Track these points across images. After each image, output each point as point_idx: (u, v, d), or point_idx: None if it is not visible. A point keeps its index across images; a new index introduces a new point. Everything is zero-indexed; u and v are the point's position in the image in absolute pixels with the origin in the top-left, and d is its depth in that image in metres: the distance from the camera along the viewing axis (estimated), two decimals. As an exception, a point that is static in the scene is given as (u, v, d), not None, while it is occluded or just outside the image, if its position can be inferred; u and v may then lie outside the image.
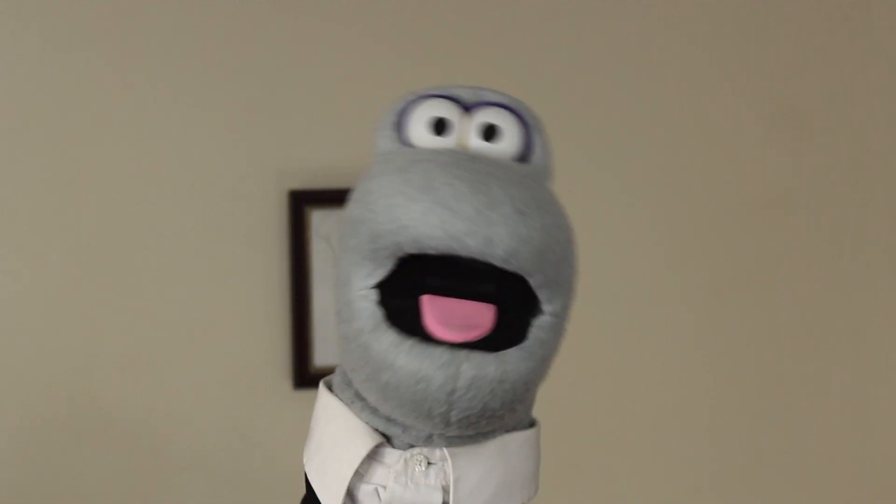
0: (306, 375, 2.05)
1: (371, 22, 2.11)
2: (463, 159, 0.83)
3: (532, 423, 0.92)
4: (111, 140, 2.04)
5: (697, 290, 2.21)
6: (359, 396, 0.89)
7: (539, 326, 0.84)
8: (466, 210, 0.80)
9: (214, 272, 2.07)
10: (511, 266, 0.81)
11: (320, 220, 2.06)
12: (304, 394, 2.03)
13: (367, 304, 0.84)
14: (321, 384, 0.93)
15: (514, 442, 0.90)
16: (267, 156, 2.08)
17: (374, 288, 0.84)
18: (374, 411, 0.88)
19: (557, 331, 0.85)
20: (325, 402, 0.91)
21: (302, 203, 2.06)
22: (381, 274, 0.83)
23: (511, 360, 0.82)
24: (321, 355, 2.04)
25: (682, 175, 2.20)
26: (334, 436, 0.90)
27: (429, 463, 0.88)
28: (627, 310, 2.19)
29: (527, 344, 0.83)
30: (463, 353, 0.81)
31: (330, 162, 2.07)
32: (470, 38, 2.14)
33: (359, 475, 0.88)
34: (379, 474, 0.88)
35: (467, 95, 0.91)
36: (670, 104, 2.19)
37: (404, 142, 0.90)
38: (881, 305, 2.27)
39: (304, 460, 0.92)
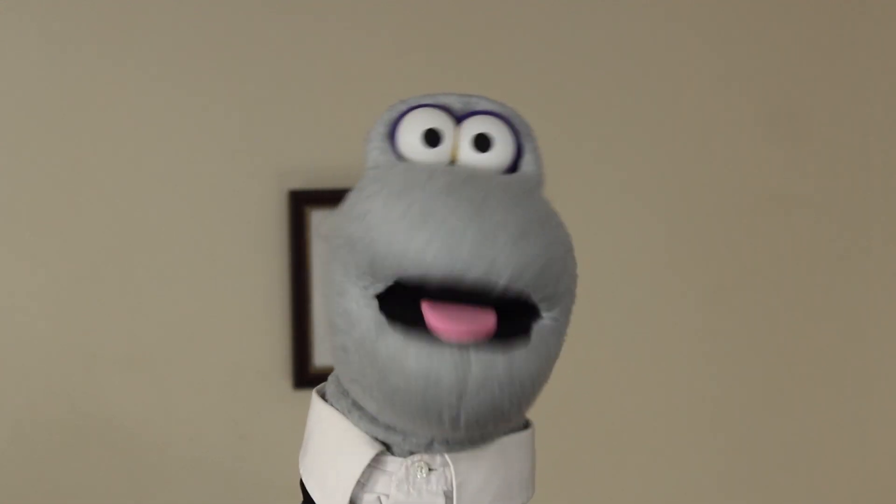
0: (306, 375, 2.05)
1: (371, 22, 2.11)
2: (458, 183, 0.83)
3: (526, 425, 0.92)
4: (111, 140, 2.04)
5: (697, 289, 2.21)
6: (356, 406, 0.88)
7: (541, 329, 0.84)
8: (466, 241, 0.80)
9: (214, 272, 2.07)
10: (513, 292, 0.81)
11: (320, 220, 2.06)
12: (304, 394, 2.02)
13: (368, 311, 0.83)
14: (314, 393, 0.92)
15: (512, 444, 0.90)
16: (267, 156, 2.08)
17: (373, 297, 0.83)
18: (374, 420, 0.87)
19: (559, 333, 0.86)
20: (321, 411, 0.91)
21: (302, 203, 2.06)
22: (379, 287, 0.83)
23: (519, 360, 0.82)
24: (321, 355, 2.04)
25: (681, 174, 2.20)
26: (333, 445, 0.89)
27: (430, 469, 0.87)
28: (627, 309, 2.19)
29: (532, 344, 0.83)
30: (472, 354, 0.80)
31: (330, 162, 2.07)
32: (471, 37, 2.14)
33: (360, 484, 0.88)
34: (381, 483, 0.88)
35: (457, 104, 0.91)
36: (670, 104, 2.19)
37: (397, 153, 0.89)
38: (881, 305, 2.26)
39: (301, 470, 0.92)
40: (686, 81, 2.20)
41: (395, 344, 0.81)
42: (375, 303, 0.83)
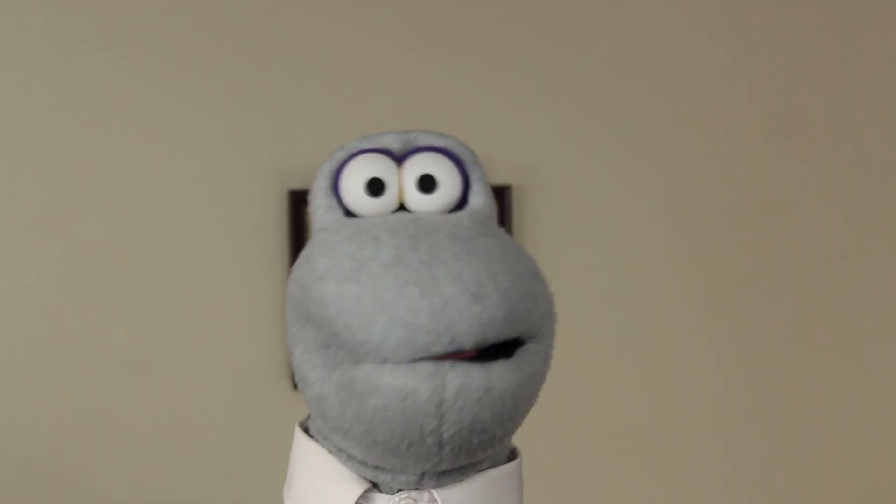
0: (306, 375, 2.05)
1: (371, 22, 2.11)
2: (405, 249, 0.81)
3: (513, 456, 0.91)
4: (111, 140, 2.04)
5: (698, 289, 2.21)
6: (340, 448, 0.88)
7: (524, 350, 0.84)
8: (423, 320, 0.79)
9: (215, 272, 2.07)
10: (483, 347, 0.81)
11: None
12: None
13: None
14: (297, 428, 0.92)
15: (501, 476, 0.89)
16: (267, 156, 2.08)
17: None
18: (362, 462, 0.87)
19: (543, 356, 0.85)
20: (306, 447, 0.90)
21: (302, 203, 2.06)
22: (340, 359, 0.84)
23: (496, 371, 0.81)
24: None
25: (683, 175, 2.20)
26: (320, 482, 0.89)
27: None
28: (629, 309, 2.19)
29: (512, 359, 0.82)
30: (447, 364, 0.80)
31: (330, 162, 2.07)
32: (471, 37, 2.14)
33: None
34: None
35: (397, 144, 0.88)
36: (671, 105, 2.19)
37: (343, 205, 0.88)
38: (882, 305, 2.26)
39: None
40: (688, 82, 2.20)
41: (370, 367, 0.81)
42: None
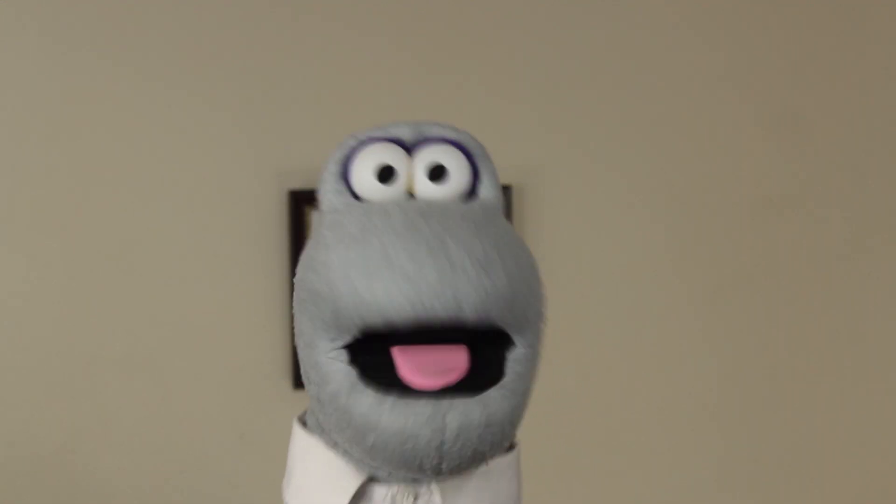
0: (306, 375, 2.05)
1: (371, 22, 2.11)
2: (415, 219, 0.81)
3: (511, 446, 0.91)
4: (111, 140, 2.04)
5: (697, 289, 2.21)
6: (338, 444, 0.88)
7: (515, 360, 0.83)
8: (429, 281, 0.78)
9: (215, 272, 2.07)
10: (482, 324, 0.80)
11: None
12: (304, 394, 2.02)
13: (338, 364, 0.82)
14: (295, 422, 0.92)
15: (498, 467, 0.89)
16: (267, 156, 2.08)
17: (342, 348, 0.82)
18: (360, 459, 0.87)
19: (533, 361, 0.85)
20: (304, 441, 0.90)
21: (302, 203, 2.06)
22: (346, 338, 0.82)
23: (494, 402, 0.81)
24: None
25: (682, 175, 2.20)
26: (318, 475, 0.89)
27: (416, 497, 0.87)
28: (627, 309, 2.19)
29: (506, 381, 0.82)
30: (446, 403, 0.79)
31: (330, 162, 2.07)
32: (470, 37, 2.14)
33: None
34: None
35: (409, 135, 0.89)
36: (670, 104, 2.19)
37: (352, 192, 0.88)
38: (882, 305, 2.26)
39: (286, 499, 0.91)
40: (686, 82, 2.20)
41: (367, 403, 0.80)
42: (345, 355, 0.82)
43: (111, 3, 2.04)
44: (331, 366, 0.82)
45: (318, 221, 0.88)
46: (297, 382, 2.06)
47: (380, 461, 0.82)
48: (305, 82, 2.09)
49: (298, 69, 2.09)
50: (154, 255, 2.05)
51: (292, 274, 2.05)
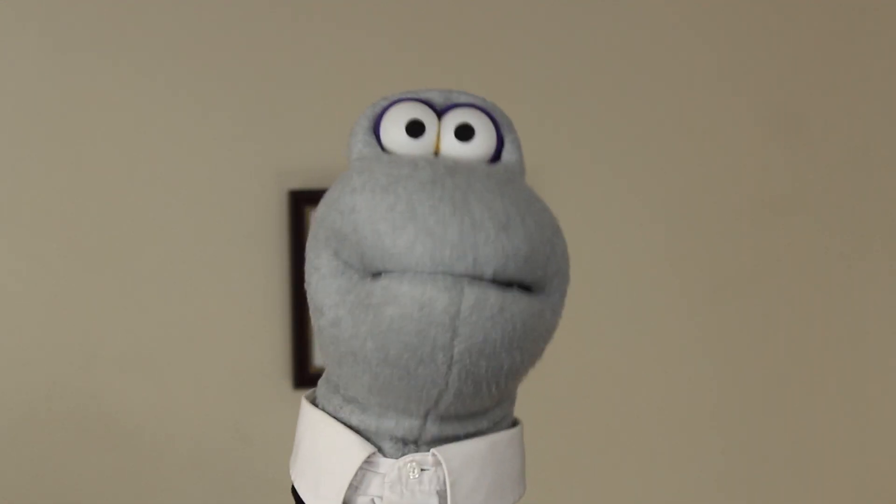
0: (306, 375, 2.05)
1: (371, 22, 2.11)
2: (442, 174, 0.84)
3: (515, 423, 0.93)
4: (111, 140, 2.05)
5: (697, 290, 2.21)
6: (347, 400, 0.89)
7: (535, 297, 0.85)
8: (451, 235, 0.81)
9: (214, 272, 2.07)
10: (501, 280, 0.83)
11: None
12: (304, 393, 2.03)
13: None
14: (303, 399, 0.93)
15: (503, 441, 0.90)
16: (267, 156, 2.08)
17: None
18: (365, 409, 0.88)
19: (553, 308, 0.86)
20: (311, 416, 0.92)
21: (302, 203, 2.06)
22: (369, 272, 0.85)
23: (511, 296, 0.83)
24: (321, 355, 2.04)
25: (682, 176, 2.20)
26: (324, 448, 0.90)
27: (422, 469, 0.88)
28: (628, 310, 2.19)
29: (525, 295, 0.84)
30: (465, 279, 0.82)
31: (330, 162, 2.07)
32: (470, 37, 2.14)
33: (353, 487, 0.88)
34: (374, 485, 0.88)
35: (439, 98, 0.92)
36: (670, 104, 2.19)
37: (381, 146, 0.91)
38: (882, 305, 2.27)
39: (292, 475, 0.92)
40: (687, 82, 2.20)
41: (389, 278, 0.82)
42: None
43: (111, 3, 2.04)
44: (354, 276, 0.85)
45: (347, 168, 0.90)
46: (298, 382, 2.06)
47: (393, 349, 0.83)
48: (305, 82, 2.09)
49: (298, 69, 2.09)
50: (153, 255, 2.05)
51: (292, 274, 2.06)
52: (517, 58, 2.14)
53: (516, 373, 0.86)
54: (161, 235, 2.05)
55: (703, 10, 2.20)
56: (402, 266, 0.81)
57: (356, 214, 0.84)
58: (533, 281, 0.84)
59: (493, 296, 0.82)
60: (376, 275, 0.83)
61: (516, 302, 0.83)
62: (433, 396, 0.85)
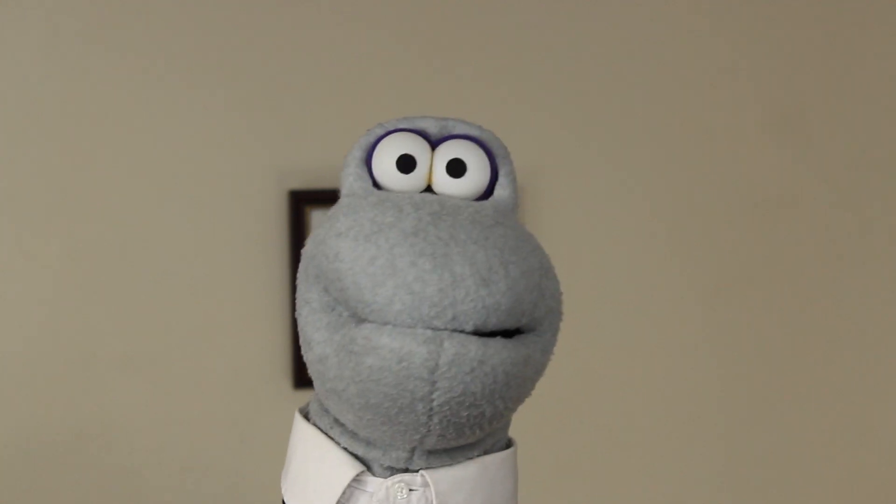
0: (306, 375, 2.02)
1: (371, 22, 2.11)
2: (426, 224, 0.83)
3: (509, 444, 0.92)
4: (110, 140, 2.04)
5: (699, 288, 2.21)
6: (337, 422, 0.89)
7: (522, 336, 0.85)
8: (430, 292, 0.81)
9: (214, 272, 2.06)
10: (482, 332, 0.82)
11: (320, 221, 2.06)
12: (304, 394, 2.03)
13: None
14: (297, 413, 0.94)
15: (494, 463, 0.90)
16: (267, 156, 2.08)
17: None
18: (354, 435, 0.88)
19: (541, 346, 0.86)
20: (303, 431, 0.92)
21: (302, 203, 2.06)
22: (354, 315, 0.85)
23: (492, 346, 0.82)
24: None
25: (683, 175, 2.20)
26: (314, 465, 0.90)
27: (410, 490, 0.88)
28: (628, 310, 2.19)
29: (510, 340, 0.84)
30: (445, 332, 0.81)
31: (330, 162, 2.07)
32: (471, 37, 2.14)
33: None
34: (362, 503, 0.88)
35: (434, 128, 0.91)
36: (671, 104, 2.19)
37: (372, 178, 0.90)
38: (882, 305, 2.26)
39: (283, 490, 0.92)
40: (688, 81, 2.20)
41: (371, 327, 0.82)
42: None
43: (111, 3, 2.04)
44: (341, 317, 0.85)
45: (338, 202, 0.91)
46: (298, 382, 2.06)
47: (373, 396, 0.83)
48: (306, 82, 2.09)
49: (299, 69, 2.09)
50: (153, 255, 2.05)
51: (292, 274, 2.05)
52: (518, 57, 2.14)
53: (500, 417, 0.86)
54: (161, 235, 2.05)
55: (704, 10, 2.20)
56: (382, 319, 0.82)
57: (340, 263, 0.84)
58: (517, 325, 0.84)
59: (474, 349, 0.81)
60: (362, 319, 0.83)
61: (498, 353, 0.82)
62: (416, 439, 0.85)
